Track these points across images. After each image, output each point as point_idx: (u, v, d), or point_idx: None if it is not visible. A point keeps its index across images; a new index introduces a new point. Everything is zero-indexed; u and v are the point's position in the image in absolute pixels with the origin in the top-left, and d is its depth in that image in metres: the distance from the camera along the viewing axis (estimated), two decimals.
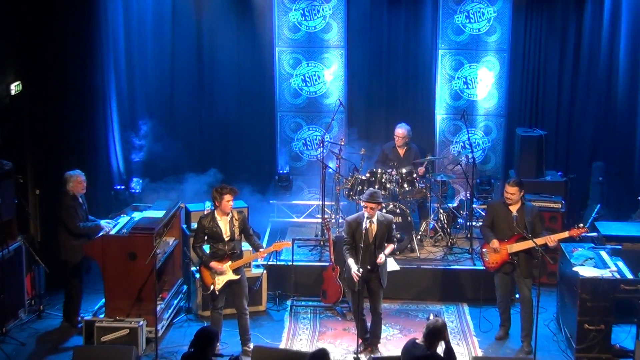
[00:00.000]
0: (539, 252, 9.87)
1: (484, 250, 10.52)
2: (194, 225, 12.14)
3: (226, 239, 10.02)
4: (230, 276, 10.07)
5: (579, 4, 13.81)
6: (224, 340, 10.48)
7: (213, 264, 9.98)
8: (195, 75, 13.98)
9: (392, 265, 10.57)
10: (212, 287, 10.06)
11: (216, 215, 10.04)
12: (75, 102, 12.65)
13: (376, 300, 10.15)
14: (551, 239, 9.98)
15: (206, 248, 10.24)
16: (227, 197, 9.91)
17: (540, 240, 9.94)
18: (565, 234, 10.12)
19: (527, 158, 13.15)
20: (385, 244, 10.01)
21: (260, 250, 10.23)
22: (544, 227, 10.41)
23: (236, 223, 10.06)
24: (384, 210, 11.67)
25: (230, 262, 10.05)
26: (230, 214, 10.04)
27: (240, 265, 10.16)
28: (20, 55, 11.95)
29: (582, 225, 10.18)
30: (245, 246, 10.40)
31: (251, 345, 10.01)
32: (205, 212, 10.52)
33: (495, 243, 10.23)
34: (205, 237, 10.10)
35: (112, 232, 10.59)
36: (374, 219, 9.87)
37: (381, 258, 9.81)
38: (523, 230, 10.04)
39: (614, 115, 13.71)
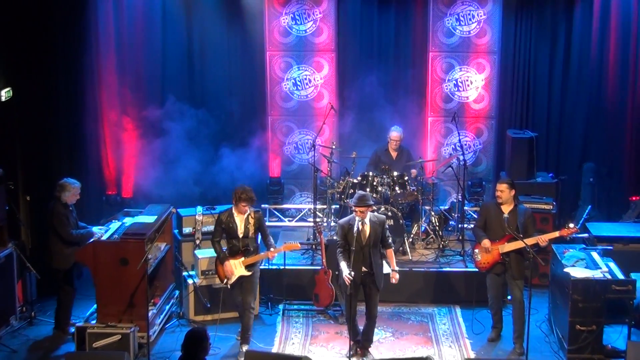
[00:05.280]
0: (530, 253, 9.87)
1: (475, 250, 10.53)
2: (186, 230, 12.24)
3: (240, 235, 10.34)
4: (243, 272, 10.34)
5: (569, 6, 13.83)
6: (217, 345, 10.50)
7: (226, 264, 10.27)
8: (186, 80, 13.97)
9: (385, 268, 10.56)
10: (225, 280, 10.37)
11: (234, 212, 10.36)
12: (66, 108, 12.71)
13: (372, 304, 10.11)
14: (542, 239, 10.00)
15: None
16: (244, 204, 10.23)
17: (531, 240, 9.96)
18: (556, 234, 10.14)
19: (518, 160, 13.16)
20: (384, 251, 10.05)
21: (271, 250, 10.47)
22: (535, 229, 10.41)
23: (252, 221, 10.36)
24: (382, 209, 11.73)
25: (243, 258, 10.33)
26: (247, 212, 10.35)
27: (252, 262, 10.39)
28: (11, 61, 11.97)
29: (572, 225, 10.21)
30: None
31: (245, 348, 10.27)
32: (225, 210, 10.66)
33: (486, 242, 10.25)
34: (223, 233, 10.44)
35: (104, 237, 10.56)
36: (367, 220, 9.87)
37: (395, 277, 10.08)
38: (514, 231, 10.06)
39: (604, 117, 13.75)
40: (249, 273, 10.37)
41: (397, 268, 10.11)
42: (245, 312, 10.43)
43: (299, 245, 11.01)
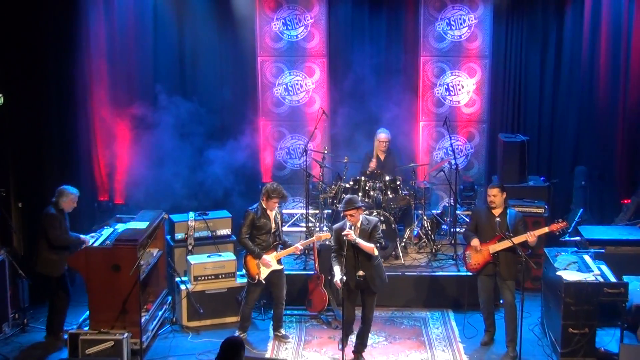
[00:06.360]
0: (522, 256, 9.90)
1: (466, 252, 10.55)
2: (178, 235, 12.22)
3: (272, 230, 10.79)
4: (275, 266, 10.77)
5: (560, 10, 13.87)
6: (213, 349, 10.53)
7: (264, 257, 10.64)
8: (177, 86, 13.92)
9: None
10: (257, 276, 10.71)
11: (265, 208, 10.73)
12: (58, 115, 12.68)
13: (367, 309, 10.08)
14: (531, 235, 10.02)
15: None
16: (275, 200, 10.69)
17: (520, 238, 10.03)
18: (545, 229, 10.17)
19: (509, 163, 13.18)
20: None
21: (299, 244, 11.00)
22: (527, 231, 10.39)
23: (279, 217, 10.94)
24: (374, 214, 11.72)
25: (275, 253, 10.78)
26: (275, 209, 10.84)
27: (285, 255, 10.94)
28: (1, 67, 11.92)
29: (561, 219, 10.25)
30: None
31: (283, 331, 11.01)
32: (254, 208, 10.93)
33: (475, 241, 10.31)
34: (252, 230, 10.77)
35: (96, 244, 10.54)
36: (358, 224, 9.85)
37: (349, 234, 9.62)
38: (504, 231, 10.09)
39: (596, 120, 13.78)
40: (281, 267, 10.89)
41: (359, 240, 9.67)
42: (279, 305, 10.97)
43: (329, 234, 11.18)
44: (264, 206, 10.72)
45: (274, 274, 10.81)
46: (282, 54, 14.15)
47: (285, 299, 10.96)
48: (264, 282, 10.75)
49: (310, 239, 11.25)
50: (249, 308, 10.95)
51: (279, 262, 10.82)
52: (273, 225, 10.77)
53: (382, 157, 13.14)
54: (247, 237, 10.70)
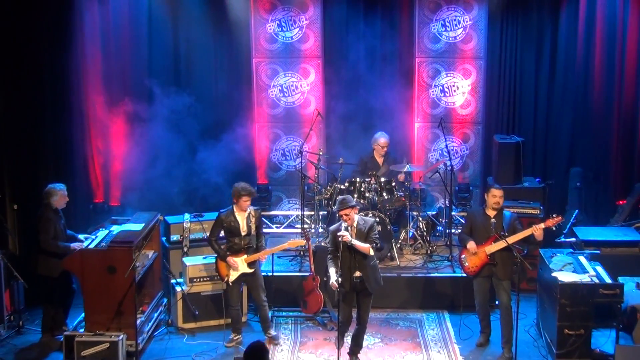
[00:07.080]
0: (517, 257, 9.91)
1: (462, 256, 10.55)
2: (174, 237, 12.22)
3: (243, 233, 10.66)
4: (245, 269, 10.66)
5: (554, 11, 13.86)
6: (208, 351, 10.61)
7: (229, 259, 10.57)
8: (172, 88, 13.87)
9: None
10: (226, 277, 10.68)
11: (235, 210, 10.62)
12: (52, 117, 12.67)
13: (363, 310, 10.05)
14: (537, 228, 10.01)
15: None
16: (245, 198, 10.57)
17: (525, 233, 10.07)
18: (541, 226, 10.15)
19: (505, 165, 13.17)
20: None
21: (262, 252, 10.84)
22: (525, 229, 10.40)
23: (253, 219, 10.71)
24: (370, 215, 11.71)
25: (245, 256, 10.65)
26: (248, 211, 10.67)
27: (254, 259, 10.71)
28: None
29: (556, 214, 10.25)
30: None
31: (272, 332, 10.93)
32: (226, 210, 10.84)
33: (471, 244, 10.31)
34: (222, 232, 10.71)
35: (91, 245, 10.52)
36: (354, 224, 9.84)
37: (345, 236, 9.60)
38: (499, 232, 10.09)
39: (591, 121, 13.78)
40: (251, 270, 10.70)
41: (355, 242, 9.66)
42: (261, 307, 10.89)
43: (304, 241, 11.29)
44: (234, 209, 10.66)
45: (246, 278, 10.77)
46: (277, 56, 14.13)
47: (265, 300, 10.86)
48: (230, 284, 10.68)
49: (283, 245, 11.12)
50: (234, 309, 10.89)
51: (250, 265, 10.68)
52: (244, 228, 10.63)
53: (380, 161, 13.12)
54: (215, 239, 10.70)
